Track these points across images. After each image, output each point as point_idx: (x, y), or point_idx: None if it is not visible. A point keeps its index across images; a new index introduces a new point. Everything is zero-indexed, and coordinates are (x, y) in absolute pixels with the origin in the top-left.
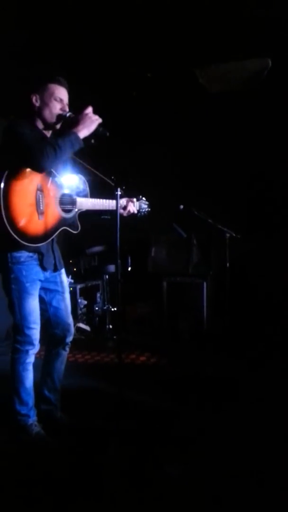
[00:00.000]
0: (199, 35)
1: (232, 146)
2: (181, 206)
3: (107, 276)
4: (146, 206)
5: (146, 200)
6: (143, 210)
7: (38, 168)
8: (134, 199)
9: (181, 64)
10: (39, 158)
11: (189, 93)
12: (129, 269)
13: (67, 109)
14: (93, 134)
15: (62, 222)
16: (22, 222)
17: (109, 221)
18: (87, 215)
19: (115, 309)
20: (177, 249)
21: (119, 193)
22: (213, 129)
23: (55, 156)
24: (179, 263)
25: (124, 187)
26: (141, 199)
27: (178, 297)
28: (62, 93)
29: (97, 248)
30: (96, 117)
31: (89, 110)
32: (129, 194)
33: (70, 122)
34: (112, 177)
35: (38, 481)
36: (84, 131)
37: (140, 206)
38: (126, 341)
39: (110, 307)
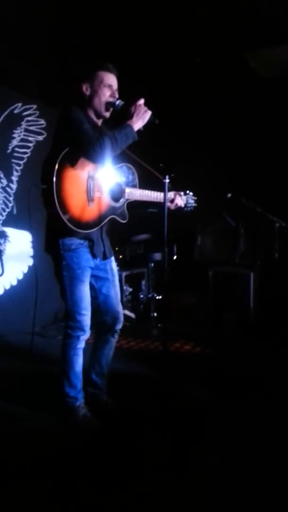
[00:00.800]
0: (250, 18)
1: (285, 133)
2: (229, 195)
3: (152, 264)
4: (193, 201)
5: (194, 195)
6: (190, 205)
7: (95, 159)
8: (182, 193)
9: (231, 48)
10: (97, 150)
11: (239, 78)
12: (175, 257)
13: (117, 95)
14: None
15: (111, 210)
16: (73, 207)
17: (155, 215)
18: (134, 207)
19: (160, 297)
20: (224, 238)
21: (167, 180)
22: (264, 116)
23: (112, 149)
24: (225, 253)
25: (172, 175)
26: (189, 193)
27: (224, 287)
28: (111, 79)
29: (143, 236)
30: (146, 108)
31: (142, 101)
32: (177, 188)
33: (120, 110)
34: (161, 165)
35: (83, 461)
36: (138, 123)
37: (187, 200)
38: (170, 330)
39: (155, 295)
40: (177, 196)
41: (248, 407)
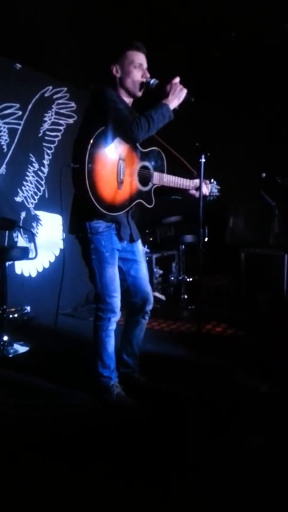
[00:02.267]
0: None
1: None
2: (263, 174)
3: (183, 246)
4: (216, 190)
5: (218, 184)
6: (213, 194)
7: (132, 139)
8: (207, 181)
9: (269, 20)
10: (134, 130)
11: (278, 52)
12: (206, 239)
13: (148, 75)
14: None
15: (138, 194)
16: (103, 189)
17: (179, 201)
18: (159, 194)
19: (191, 279)
20: (257, 219)
21: (203, 160)
22: None
23: (149, 128)
24: (258, 234)
25: (209, 154)
26: (213, 182)
27: (257, 269)
28: (141, 58)
29: (174, 218)
30: (182, 86)
31: (177, 80)
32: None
33: (154, 90)
34: (197, 144)
35: (119, 437)
36: (174, 102)
37: (211, 189)
38: (202, 312)
39: (186, 277)
40: (203, 184)
41: (283, 386)
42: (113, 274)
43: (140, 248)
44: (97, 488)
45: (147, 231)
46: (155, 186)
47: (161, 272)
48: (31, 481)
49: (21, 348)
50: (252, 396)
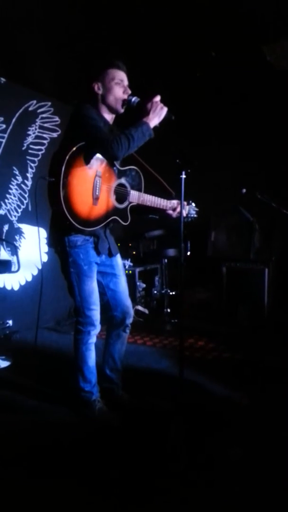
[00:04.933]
0: (266, 10)
1: None
2: (244, 190)
3: (165, 260)
4: (194, 212)
5: (196, 206)
6: (191, 215)
7: (112, 156)
8: (185, 203)
9: (247, 41)
10: (114, 148)
11: (256, 71)
12: (188, 253)
13: (129, 91)
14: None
15: (114, 211)
16: (77, 204)
17: (156, 221)
18: (136, 211)
19: (173, 293)
20: (238, 233)
21: (183, 176)
22: (281, 110)
23: (129, 146)
24: (240, 248)
25: (189, 170)
26: (191, 204)
27: (238, 283)
28: (121, 75)
29: (157, 232)
30: (162, 105)
31: (158, 98)
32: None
33: (135, 107)
34: (177, 160)
35: (99, 454)
36: (155, 120)
37: (189, 211)
38: (184, 325)
39: (169, 290)
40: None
41: (266, 401)
42: (92, 287)
43: (120, 262)
44: (77, 499)
45: (130, 244)
46: (131, 204)
47: (144, 285)
48: (10, 495)
49: (2, 363)
50: (232, 409)
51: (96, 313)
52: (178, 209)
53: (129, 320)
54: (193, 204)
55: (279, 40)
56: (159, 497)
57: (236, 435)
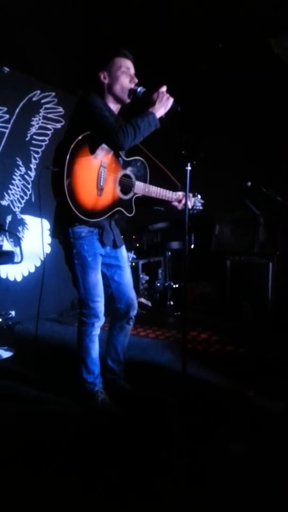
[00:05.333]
0: (274, 2)
1: None
2: (249, 183)
3: (169, 253)
4: (199, 204)
5: (202, 198)
6: (197, 207)
7: (118, 146)
8: (190, 194)
9: (255, 33)
10: (120, 137)
11: (263, 64)
12: (192, 246)
13: (136, 80)
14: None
15: (118, 202)
16: (81, 194)
17: (161, 212)
18: (141, 203)
19: (177, 285)
20: (242, 227)
21: (189, 168)
22: (286, 103)
23: (135, 136)
24: (244, 242)
25: (194, 162)
26: (197, 196)
27: (242, 276)
28: (128, 64)
29: (160, 225)
30: (168, 95)
31: (164, 88)
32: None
33: (141, 98)
34: (183, 152)
35: (102, 443)
36: (161, 110)
37: (194, 203)
38: (187, 318)
39: (172, 283)
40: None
41: (269, 395)
42: (96, 279)
43: (124, 254)
44: (80, 493)
45: (133, 237)
46: (136, 196)
47: (147, 278)
48: (13, 486)
49: (5, 353)
50: (236, 403)
51: (100, 305)
52: (184, 201)
53: (133, 313)
54: (199, 196)
55: (287, 33)
56: (160, 492)
57: (239, 429)
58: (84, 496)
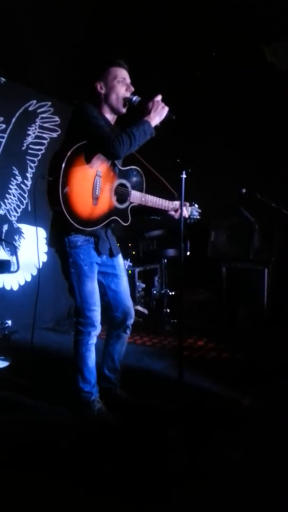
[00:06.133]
0: (267, 10)
1: None
2: (244, 190)
3: (165, 260)
4: (197, 213)
5: (198, 206)
6: (194, 217)
7: (113, 155)
8: (187, 204)
9: (248, 41)
10: (116, 146)
11: (256, 72)
12: (188, 253)
13: (132, 89)
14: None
15: (114, 211)
16: (76, 203)
17: (158, 222)
18: (137, 213)
19: (173, 293)
20: (238, 234)
21: (184, 176)
22: (281, 110)
23: (130, 145)
24: (239, 249)
25: (189, 170)
26: (194, 205)
27: (237, 283)
28: (124, 73)
29: (156, 232)
30: (164, 104)
31: (160, 97)
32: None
33: (137, 107)
34: (178, 160)
35: (98, 453)
36: (156, 119)
37: (191, 212)
38: (184, 325)
39: (168, 291)
40: (183, 206)
41: (265, 401)
42: (92, 287)
43: (121, 262)
44: (76, 501)
45: (129, 244)
46: (132, 205)
47: (143, 285)
48: (8, 496)
49: (1, 363)
50: (232, 410)
51: (96, 314)
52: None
53: (130, 321)
54: (196, 206)
55: (280, 40)
56: (158, 498)
57: (236, 436)
58: (79, 502)
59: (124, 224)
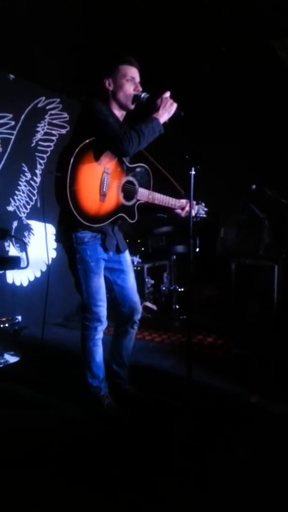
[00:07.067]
0: (277, 5)
1: None
2: (254, 186)
3: (174, 257)
4: (203, 212)
5: (205, 203)
6: (200, 215)
7: (122, 152)
8: (194, 202)
9: (258, 36)
10: (125, 143)
11: (266, 67)
12: (197, 250)
13: (140, 88)
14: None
15: (121, 208)
16: (83, 199)
17: (165, 219)
18: (144, 210)
19: (182, 289)
20: (247, 230)
21: (193, 172)
22: None
23: (139, 142)
24: (249, 245)
25: (198, 166)
26: (201, 203)
27: (247, 279)
28: (133, 72)
29: (165, 229)
30: (172, 101)
31: (168, 94)
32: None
33: (145, 103)
34: (186, 156)
35: (107, 446)
36: (164, 116)
37: (198, 210)
38: (193, 322)
39: (177, 287)
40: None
41: (275, 398)
42: (99, 283)
43: (128, 258)
44: (86, 497)
45: (138, 241)
46: (139, 202)
47: (152, 282)
48: (16, 492)
49: (11, 358)
50: (241, 407)
51: (103, 309)
52: (187, 208)
53: (137, 316)
54: (203, 204)
55: None
56: (163, 494)
57: (244, 433)
58: (87, 497)
59: (131, 221)
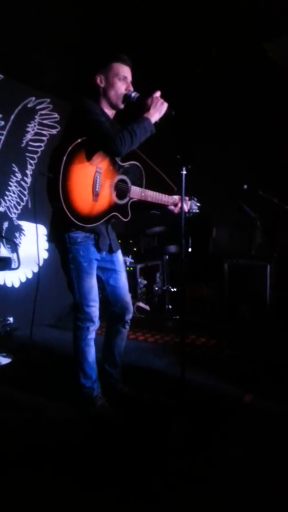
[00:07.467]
0: (268, 7)
1: None
2: (245, 186)
3: (167, 257)
4: (196, 207)
5: (198, 201)
6: (193, 210)
7: (115, 152)
8: (187, 198)
9: (248, 38)
10: (117, 143)
11: (257, 68)
12: (189, 250)
13: (131, 88)
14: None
15: (114, 207)
16: (76, 200)
17: (158, 216)
18: (137, 207)
19: (175, 289)
20: (240, 230)
21: (184, 172)
22: (282, 106)
23: (131, 142)
24: (241, 245)
25: (190, 166)
26: (193, 199)
27: (240, 279)
28: (126, 71)
29: (157, 229)
30: (163, 100)
31: (159, 93)
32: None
33: (135, 103)
34: (178, 156)
35: (100, 449)
36: (155, 116)
37: (191, 206)
38: (186, 322)
39: (170, 287)
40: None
41: (268, 399)
42: (91, 284)
43: (120, 258)
44: (81, 498)
45: (131, 241)
46: (132, 200)
47: (145, 282)
48: (10, 494)
49: (3, 360)
50: (234, 407)
51: (95, 310)
52: (180, 205)
53: (129, 316)
54: (195, 199)
55: (281, 37)
56: (160, 495)
57: (238, 433)
58: (81, 499)
59: (124, 219)
